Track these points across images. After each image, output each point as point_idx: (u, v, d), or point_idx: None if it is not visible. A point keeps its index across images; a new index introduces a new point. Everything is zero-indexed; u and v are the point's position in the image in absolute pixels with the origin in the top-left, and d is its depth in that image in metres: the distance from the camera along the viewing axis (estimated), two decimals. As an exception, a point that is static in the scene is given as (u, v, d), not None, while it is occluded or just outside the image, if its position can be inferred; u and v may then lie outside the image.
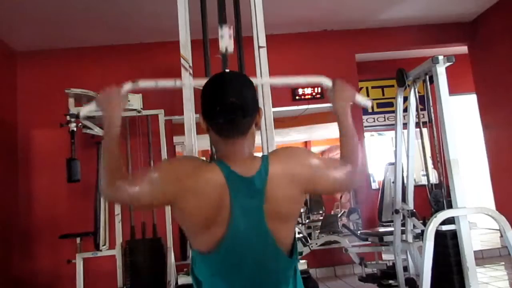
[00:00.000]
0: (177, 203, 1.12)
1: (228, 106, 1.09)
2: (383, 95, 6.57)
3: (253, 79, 1.23)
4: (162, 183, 1.13)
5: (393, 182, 3.52)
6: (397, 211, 3.15)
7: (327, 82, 1.43)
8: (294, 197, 1.16)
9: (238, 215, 1.10)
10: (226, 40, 1.33)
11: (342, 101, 1.37)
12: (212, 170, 1.13)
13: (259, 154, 1.23)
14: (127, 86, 1.39)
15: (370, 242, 4.03)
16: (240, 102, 1.10)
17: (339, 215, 5.63)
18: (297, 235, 4.70)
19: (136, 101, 3.92)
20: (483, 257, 4.82)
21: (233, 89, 1.12)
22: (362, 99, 1.48)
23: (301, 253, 3.83)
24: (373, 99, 6.57)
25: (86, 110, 1.56)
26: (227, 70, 1.28)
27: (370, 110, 1.46)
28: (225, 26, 1.35)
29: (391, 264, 3.56)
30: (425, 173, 3.10)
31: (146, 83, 1.45)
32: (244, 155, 1.16)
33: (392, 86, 6.24)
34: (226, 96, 1.10)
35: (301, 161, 1.20)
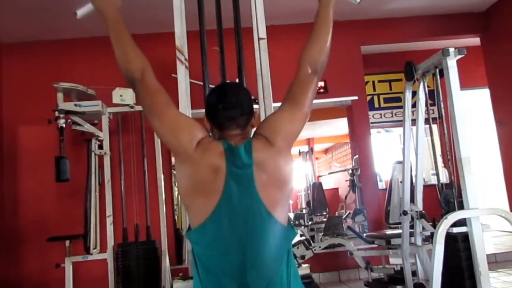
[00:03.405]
0: (187, 155, 1.30)
1: (229, 104, 1.40)
2: (391, 89, 6.56)
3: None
4: (188, 121, 1.38)
5: (401, 182, 3.53)
6: (405, 213, 3.16)
7: None
8: (281, 164, 1.34)
9: (231, 182, 1.28)
10: None
11: None
12: (216, 141, 1.38)
13: None
14: None
15: (376, 245, 4.03)
16: (238, 102, 1.42)
17: (343, 217, 5.65)
18: (299, 238, 4.74)
19: (128, 96, 3.90)
20: (496, 261, 4.83)
21: (233, 92, 1.46)
22: None
23: (303, 257, 3.84)
24: (380, 94, 6.57)
25: (84, 10, 1.57)
26: (228, 81, 1.62)
27: (357, 2, 1.50)
28: None
29: (399, 268, 3.57)
30: (435, 172, 3.11)
31: None
32: (240, 141, 1.39)
33: (400, 80, 6.24)
34: (227, 97, 1.42)
35: (277, 121, 1.40)
